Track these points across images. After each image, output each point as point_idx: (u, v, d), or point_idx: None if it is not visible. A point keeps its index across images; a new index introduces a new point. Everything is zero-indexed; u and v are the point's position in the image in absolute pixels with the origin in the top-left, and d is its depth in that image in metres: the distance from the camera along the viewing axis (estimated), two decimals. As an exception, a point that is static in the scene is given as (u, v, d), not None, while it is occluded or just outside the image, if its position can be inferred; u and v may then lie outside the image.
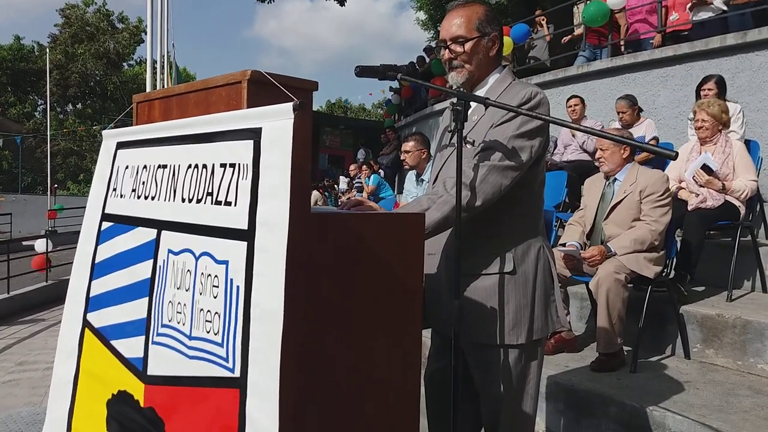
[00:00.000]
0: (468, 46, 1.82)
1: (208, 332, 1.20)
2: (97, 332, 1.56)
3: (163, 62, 9.04)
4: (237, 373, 1.12)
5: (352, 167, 12.89)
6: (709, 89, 4.68)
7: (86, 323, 1.60)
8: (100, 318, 1.56)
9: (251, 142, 1.16)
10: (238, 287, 1.13)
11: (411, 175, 5.44)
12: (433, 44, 14.77)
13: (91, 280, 1.61)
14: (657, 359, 3.42)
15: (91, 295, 1.60)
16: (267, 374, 1.06)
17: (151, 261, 1.38)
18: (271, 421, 1.04)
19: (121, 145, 1.64)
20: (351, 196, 11.39)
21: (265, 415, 1.05)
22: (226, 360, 1.15)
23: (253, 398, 1.09)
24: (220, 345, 1.17)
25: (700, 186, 3.96)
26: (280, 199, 1.07)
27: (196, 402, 1.21)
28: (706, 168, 3.92)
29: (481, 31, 1.82)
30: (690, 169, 4.00)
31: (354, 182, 11.75)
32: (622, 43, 7.80)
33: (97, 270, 1.60)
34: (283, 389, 1.04)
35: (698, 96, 4.75)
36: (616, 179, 3.53)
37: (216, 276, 1.19)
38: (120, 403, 1.42)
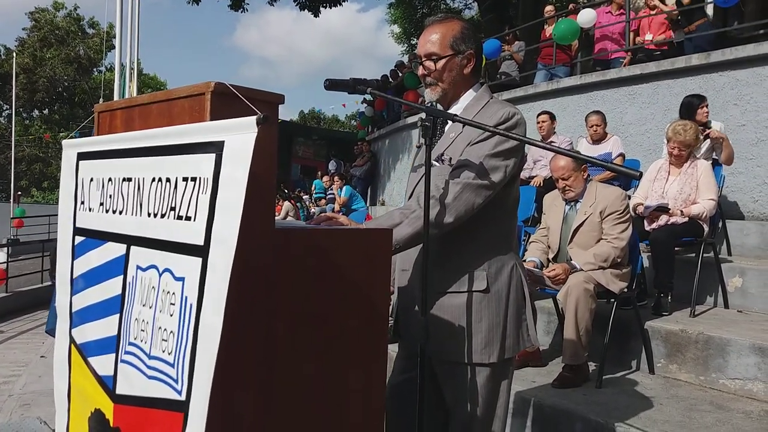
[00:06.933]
0: (441, 63, 1.80)
1: (163, 351, 1.16)
2: (78, 348, 1.54)
3: (134, 69, 8.91)
4: (183, 396, 1.08)
5: (325, 179, 12.83)
6: (706, 105, 4.87)
7: (71, 339, 1.57)
8: (81, 334, 1.53)
9: (213, 155, 1.12)
10: (191, 305, 1.09)
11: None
12: (405, 58, 14.86)
13: (71, 295, 1.58)
14: (622, 374, 3.45)
15: (72, 311, 1.58)
16: (202, 398, 1.02)
17: (122, 277, 1.34)
18: None
19: (82, 156, 1.59)
20: (324, 206, 11.34)
21: None
22: (176, 382, 1.11)
23: (192, 424, 1.04)
24: (172, 366, 1.12)
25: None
26: (232, 215, 1.03)
27: (154, 424, 1.17)
28: (661, 209, 4.03)
29: (456, 48, 1.80)
30: (645, 209, 4.13)
31: (327, 193, 11.69)
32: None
33: (75, 285, 1.57)
34: (217, 414, 0.99)
35: (694, 114, 4.82)
36: (577, 201, 3.54)
37: (173, 293, 1.15)
38: (95, 421, 1.40)
